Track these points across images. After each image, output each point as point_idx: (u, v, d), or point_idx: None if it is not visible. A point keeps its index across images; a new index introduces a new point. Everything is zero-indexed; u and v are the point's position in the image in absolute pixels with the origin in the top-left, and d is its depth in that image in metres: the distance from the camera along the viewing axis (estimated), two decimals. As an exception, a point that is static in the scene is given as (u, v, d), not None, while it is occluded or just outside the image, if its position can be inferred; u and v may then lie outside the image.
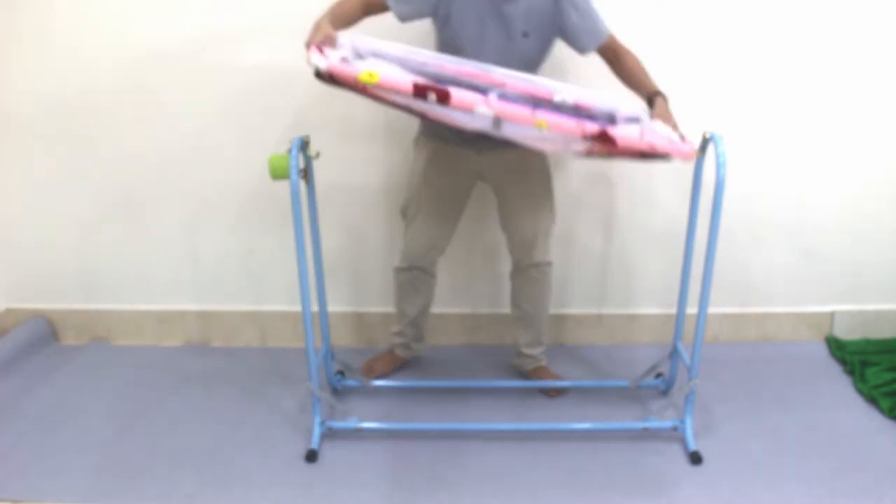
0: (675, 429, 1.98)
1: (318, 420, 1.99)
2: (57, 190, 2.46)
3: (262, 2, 2.21)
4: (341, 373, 2.28)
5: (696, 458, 1.90)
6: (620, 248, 2.44)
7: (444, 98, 1.55)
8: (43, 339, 2.57)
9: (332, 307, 2.52)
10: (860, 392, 2.19)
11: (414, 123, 2.11)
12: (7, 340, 2.47)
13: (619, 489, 1.80)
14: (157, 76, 2.30)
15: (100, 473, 1.87)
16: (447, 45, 1.87)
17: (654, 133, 1.66)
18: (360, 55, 1.78)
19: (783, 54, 2.23)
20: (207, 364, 2.45)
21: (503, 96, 1.66)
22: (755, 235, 2.42)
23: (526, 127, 1.59)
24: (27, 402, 2.21)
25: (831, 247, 2.45)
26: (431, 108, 1.59)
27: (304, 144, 1.83)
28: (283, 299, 2.49)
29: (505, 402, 2.18)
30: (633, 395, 2.21)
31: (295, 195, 1.75)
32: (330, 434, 2.00)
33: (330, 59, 1.58)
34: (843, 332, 2.51)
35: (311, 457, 1.92)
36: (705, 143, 1.81)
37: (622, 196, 2.38)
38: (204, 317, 2.59)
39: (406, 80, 1.56)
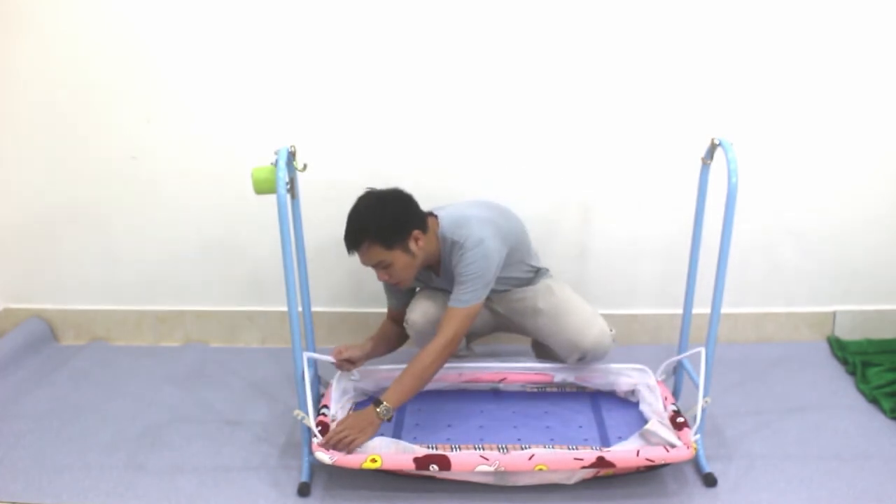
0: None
1: (306, 451, 1.82)
2: (56, 189, 2.45)
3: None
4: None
5: (710, 481, 1.78)
6: (620, 248, 2.44)
7: (445, 465, 1.69)
8: (42, 339, 2.57)
9: (332, 307, 2.52)
10: (862, 393, 2.18)
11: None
12: (6, 341, 2.46)
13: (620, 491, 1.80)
14: (157, 75, 2.30)
15: (100, 473, 1.87)
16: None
17: (652, 434, 1.77)
18: (365, 393, 2.10)
19: (783, 57, 2.23)
20: (207, 364, 2.44)
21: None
22: (755, 235, 2.41)
23: (528, 473, 1.72)
24: (26, 402, 2.21)
25: (832, 247, 2.44)
26: (435, 473, 1.71)
27: (290, 156, 1.66)
28: (282, 299, 2.48)
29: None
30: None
31: (283, 210, 1.59)
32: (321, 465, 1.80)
33: (334, 453, 1.72)
34: (845, 333, 2.51)
35: (304, 490, 1.78)
36: (713, 148, 1.78)
37: (623, 196, 2.38)
38: (204, 317, 2.58)
39: (407, 458, 1.71)
